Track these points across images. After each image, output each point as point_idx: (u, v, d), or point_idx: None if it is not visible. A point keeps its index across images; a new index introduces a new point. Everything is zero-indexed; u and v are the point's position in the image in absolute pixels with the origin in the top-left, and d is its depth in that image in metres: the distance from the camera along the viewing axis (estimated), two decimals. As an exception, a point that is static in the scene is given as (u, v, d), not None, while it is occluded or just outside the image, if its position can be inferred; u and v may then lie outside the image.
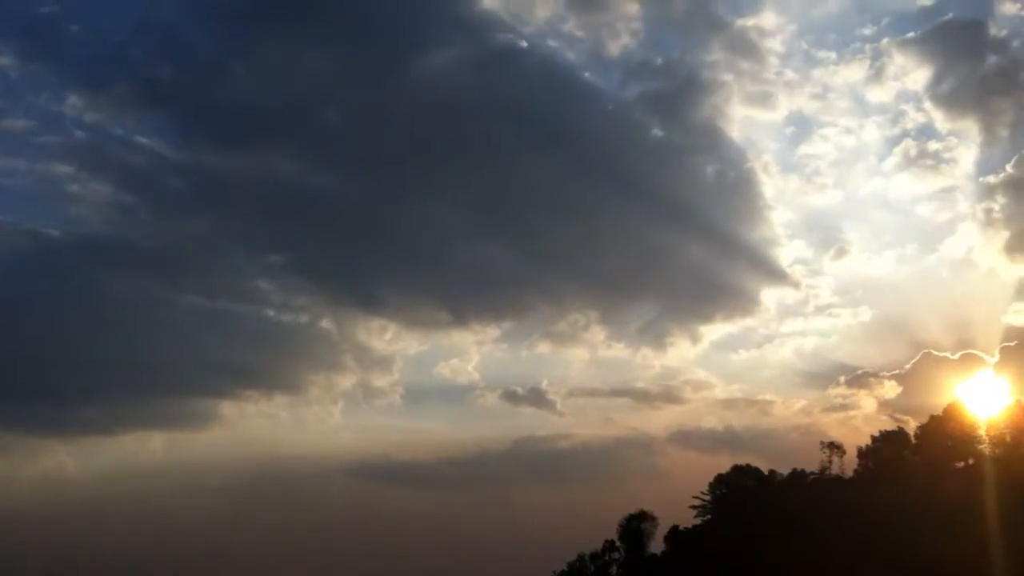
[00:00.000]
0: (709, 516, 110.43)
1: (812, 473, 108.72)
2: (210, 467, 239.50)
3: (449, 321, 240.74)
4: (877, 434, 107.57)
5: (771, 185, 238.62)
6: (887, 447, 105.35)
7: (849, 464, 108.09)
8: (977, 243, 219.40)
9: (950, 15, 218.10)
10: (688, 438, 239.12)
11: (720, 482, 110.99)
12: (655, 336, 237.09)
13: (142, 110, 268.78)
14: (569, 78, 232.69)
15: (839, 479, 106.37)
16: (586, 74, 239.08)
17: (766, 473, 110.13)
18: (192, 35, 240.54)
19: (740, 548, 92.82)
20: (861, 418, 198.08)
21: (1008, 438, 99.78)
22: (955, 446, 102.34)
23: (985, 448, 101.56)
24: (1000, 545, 73.73)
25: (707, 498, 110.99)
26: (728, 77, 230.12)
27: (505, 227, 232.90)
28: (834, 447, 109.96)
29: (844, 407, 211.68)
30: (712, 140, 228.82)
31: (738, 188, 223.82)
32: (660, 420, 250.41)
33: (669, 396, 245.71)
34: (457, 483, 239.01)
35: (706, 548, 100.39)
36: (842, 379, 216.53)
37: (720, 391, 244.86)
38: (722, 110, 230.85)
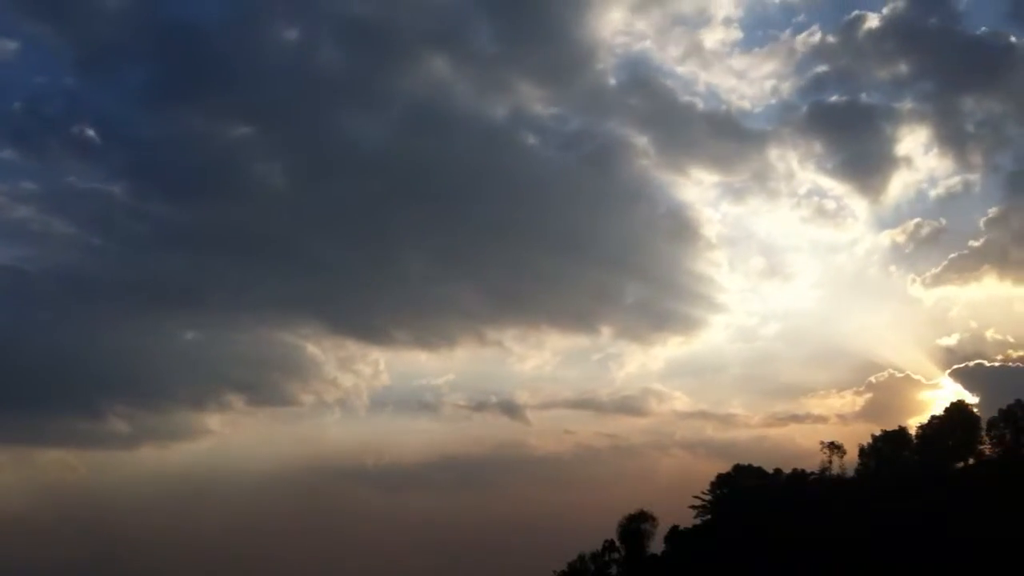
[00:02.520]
0: (709, 516, 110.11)
1: (812, 473, 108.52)
2: (201, 475, 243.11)
3: (426, 345, 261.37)
4: (879, 433, 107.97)
5: (709, 229, 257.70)
6: (888, 447, 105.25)
7: (850, 464, 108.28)
8: (897, 280, 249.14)
9: (825, 98, 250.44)
10: (655, 445, 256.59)
11: (721, 482, 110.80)
12: (616, 356, 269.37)
13: (79, 163, 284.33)
14: (512, 142, 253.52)
15: (840, 478, 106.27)
16: (530, 139, 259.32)
17: (770, 472, 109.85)
18: (100, 97, 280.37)
19: (740, 548, 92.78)
20: (825, 429, 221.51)
21: (1008, 438, 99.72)
22: (955, 446, 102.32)
23: (985, 448, 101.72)
24: (1000, 545, 73.59)
25: (707, 498, 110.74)
26: (642, 142, 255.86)
27: (467, 268, 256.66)
28: (834, 447, 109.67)
29: (810, 418, 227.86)
30: (641, 193, 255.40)
31: (678, 232, 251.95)
32: (626, 428, 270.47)
33: (632, 408, 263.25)
34: (448, 485, 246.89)
35: (706, 548, 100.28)
36: (801, 395, 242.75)
37: (681, 403, 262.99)
38: (644, 171, 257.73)
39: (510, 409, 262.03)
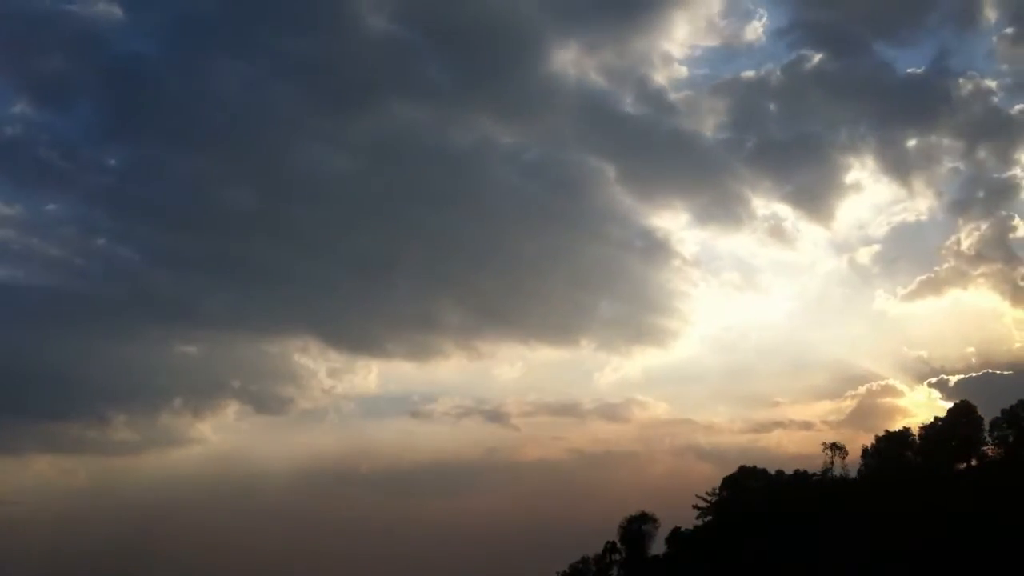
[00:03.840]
0: (710, 517, 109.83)
1: (815, 474, 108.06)
2: (196, 480, 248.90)
3: (417, 357, 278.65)
4: (881, 434, 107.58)
5: (678, 249, 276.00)
6: (891, 448, 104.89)
7: (852, 465, 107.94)
8: (864, 297, 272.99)
9: (773, 132, 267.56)
10: (642, 451, 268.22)
11: (725, 483, 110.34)
12: (597, 367, 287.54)
13: (52, 189, 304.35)
14: (485, 171, 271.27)
15: (843, 479, 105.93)
16: (502, 169, 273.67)
17: (773, 474, 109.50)
18: (57, 127, 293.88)
19: (742, 549, 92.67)
20: (810, 435, 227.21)
21: (1011, 439, 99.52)
22: (958, 447, 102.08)
23: (988, 449, 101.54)
24: (1002, 545, 73.46)
25: (710, 499, 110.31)
26: (607, 169, 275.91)
27: (453, 286, 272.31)
28: (836, 448, 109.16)
29: (795, 425, 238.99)
30: (611, 217, 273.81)
31: (649, 251, 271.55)
32: (611, 435, 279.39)
33: (616, 416, 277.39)
34: (443, 489, 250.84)
35: (708, 549, 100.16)
36: (781, 404, 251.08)
37: (662, 411, 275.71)
38: (613, 196, 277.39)
39: (498, 416, 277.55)
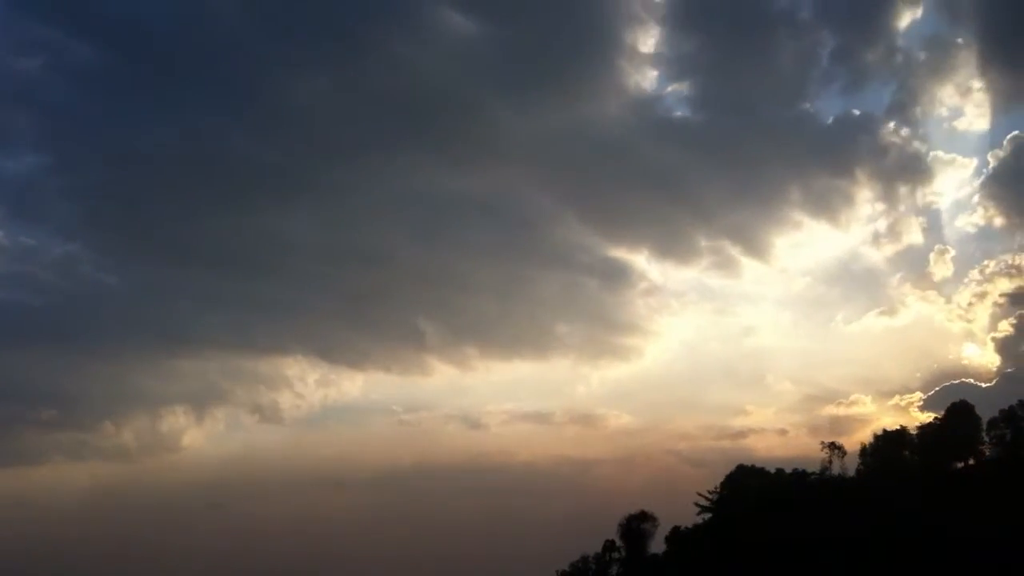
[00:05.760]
0: (710, 516, 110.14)
1: (813, 473, 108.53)
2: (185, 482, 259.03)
3: (403, 371, 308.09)
4: (880, 432, 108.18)
5: (646, 275, 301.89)
6: (888, 447, 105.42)
7: (850, 464, 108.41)
8: (821, 321, 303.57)
9: (715, 174, 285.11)
10: (624, 456, 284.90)
11: (724, 482, 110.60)
12: (567, 380, 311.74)
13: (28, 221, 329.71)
14: (452, 213, 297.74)
15: (841, 478, 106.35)
16: (471, 213, 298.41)
17: (772, 472, 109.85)
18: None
19: (741, 548, 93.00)
20: (786, 440, 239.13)
21: (1009, 439, 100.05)
22: (955, 446, 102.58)
23: (986, 448, 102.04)
24: (1000, 545, 73.88)
25: (710, 497, 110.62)
26: (570, 212, 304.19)
27: (436, 311, 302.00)
28: (834, 447, 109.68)
29: (768, 432, 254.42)
30: (577, 247, 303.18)
31: (615, 279, 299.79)
32: (590, 440, 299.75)
33: (592, 423, 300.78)
34: (436, 491, 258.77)
35: (707, 548, 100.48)
36: (753, 413, 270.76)
37: (639, 420, 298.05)
38: (578, 233, 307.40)
39: (480, 424, 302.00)
